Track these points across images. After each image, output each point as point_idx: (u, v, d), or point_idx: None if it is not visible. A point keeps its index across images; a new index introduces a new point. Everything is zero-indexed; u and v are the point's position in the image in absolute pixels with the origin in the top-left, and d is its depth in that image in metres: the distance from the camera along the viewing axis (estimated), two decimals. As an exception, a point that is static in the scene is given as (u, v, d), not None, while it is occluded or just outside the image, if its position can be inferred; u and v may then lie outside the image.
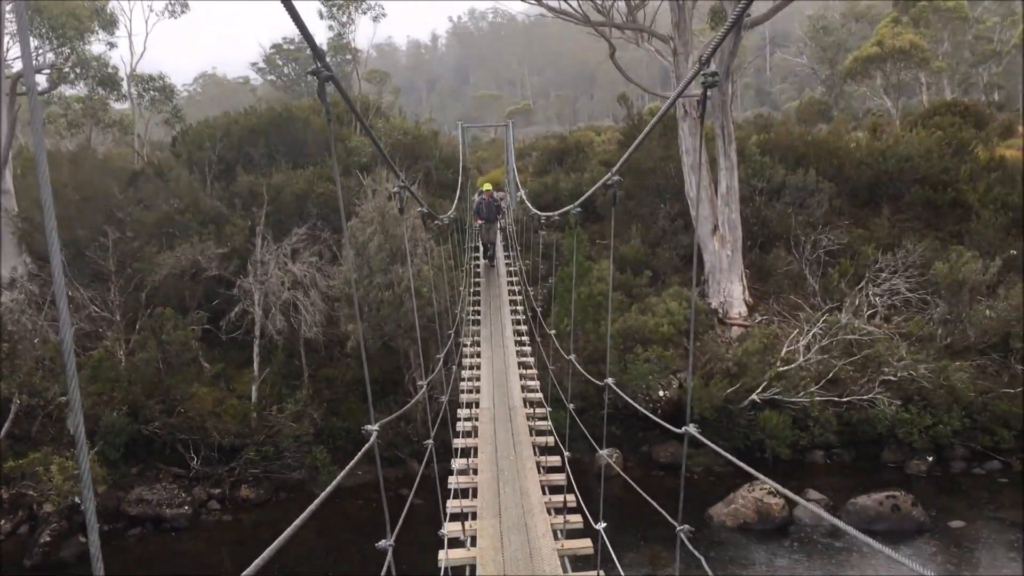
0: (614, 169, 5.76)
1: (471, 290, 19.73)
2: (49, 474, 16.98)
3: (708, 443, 3.87)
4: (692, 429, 3.97)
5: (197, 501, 18.57)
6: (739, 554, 15.42)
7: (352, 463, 3.77)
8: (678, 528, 4.30)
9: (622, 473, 7.64)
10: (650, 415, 5.68)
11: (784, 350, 20.64)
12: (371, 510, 17.24)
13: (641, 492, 6.09)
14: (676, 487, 4.30)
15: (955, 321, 21.18)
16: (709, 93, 3.71)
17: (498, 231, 23.25)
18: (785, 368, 19.94)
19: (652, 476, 18.96)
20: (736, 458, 3.75)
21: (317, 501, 3.21)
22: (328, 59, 3.61)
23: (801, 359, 20.23)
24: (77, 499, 17.12)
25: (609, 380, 6.46)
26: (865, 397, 19.43)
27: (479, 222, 22.25)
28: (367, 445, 4.07)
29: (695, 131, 23.31)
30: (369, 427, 4.21)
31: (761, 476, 3.35)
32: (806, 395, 19.35)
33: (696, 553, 4.05)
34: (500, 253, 23.49)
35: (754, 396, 19.42)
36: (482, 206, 22.03)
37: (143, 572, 16.00)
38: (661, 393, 19.66)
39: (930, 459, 19.06)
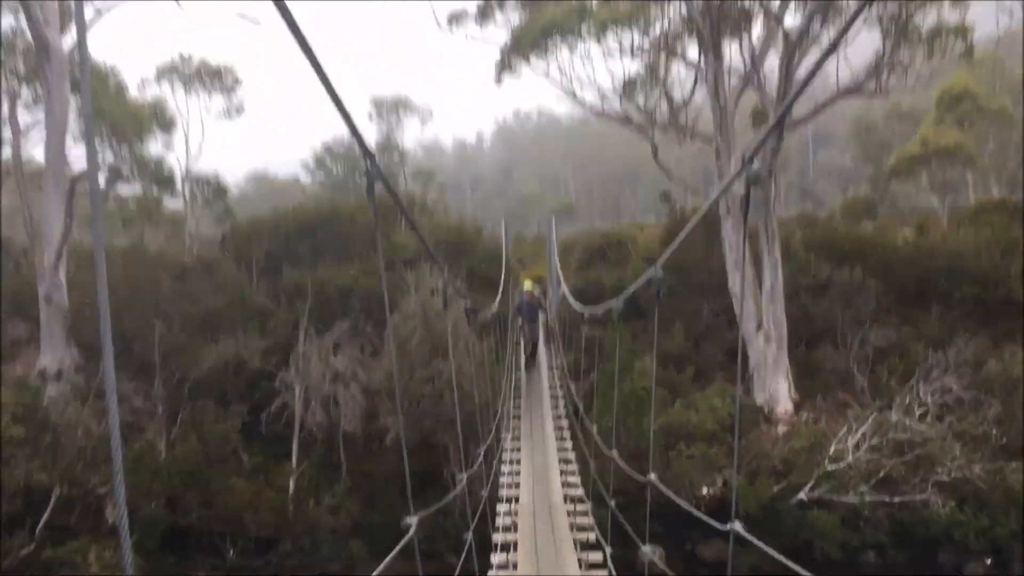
0: (657, 263, 5.75)
1: (512, 385, 19.61)
2: (87, 563, 16.97)
3: (754, 540, 3.72)
4: (737, 526, 3.82)
5: (233, 596, 18.34)
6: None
7: (393, 553, 3.70)
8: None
9: (667, 570, 7.37)
10: (693, 511, 5.52)
11: (832, 448, 20.09)
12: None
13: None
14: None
15: (1010, 421, 20.52)
16: (752, 190, 3.70)
17: (540, 329, 22.94)
18: (834, 467, 19.38)
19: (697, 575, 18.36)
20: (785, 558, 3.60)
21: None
22: (376, 158, 3.70)
23: (850, 457, 19.65)
24: (114, 591, 17.04)
25: (652, 476, 6.31)
26: (918, 497, 18.76)
27: (520, 320, 22.04)
28: (407, 537, 3.99)
29: (738, 228, 23.33)
30: (409, 519, 4.13)
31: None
32: (856, 494, 18.73)
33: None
34: (542, 351, 23.05)
35: (802, 495, 18.85)
36: (523, 305, 21.83)
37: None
38: (705, 491, 19.17)
39: (988, 561, 18.24)
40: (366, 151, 3.43)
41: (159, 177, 31.05)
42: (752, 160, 3.51)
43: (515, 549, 10.36)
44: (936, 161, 41.71)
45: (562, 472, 13.98)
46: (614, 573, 8.25)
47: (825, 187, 77.61)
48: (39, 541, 18.16)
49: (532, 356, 22.16)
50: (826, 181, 79.09)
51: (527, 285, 22.71)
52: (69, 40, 25.80)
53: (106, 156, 28.60)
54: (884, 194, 52.20)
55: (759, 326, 23.20)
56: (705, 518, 5.01)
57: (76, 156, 28.85)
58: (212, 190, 34.81)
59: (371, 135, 50.70)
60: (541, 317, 23.25)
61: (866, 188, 56.51)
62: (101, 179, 31.43)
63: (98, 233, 1.88)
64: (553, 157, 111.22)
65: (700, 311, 26.02)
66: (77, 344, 23.76)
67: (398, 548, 3.88)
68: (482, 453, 11.06)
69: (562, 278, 26.53)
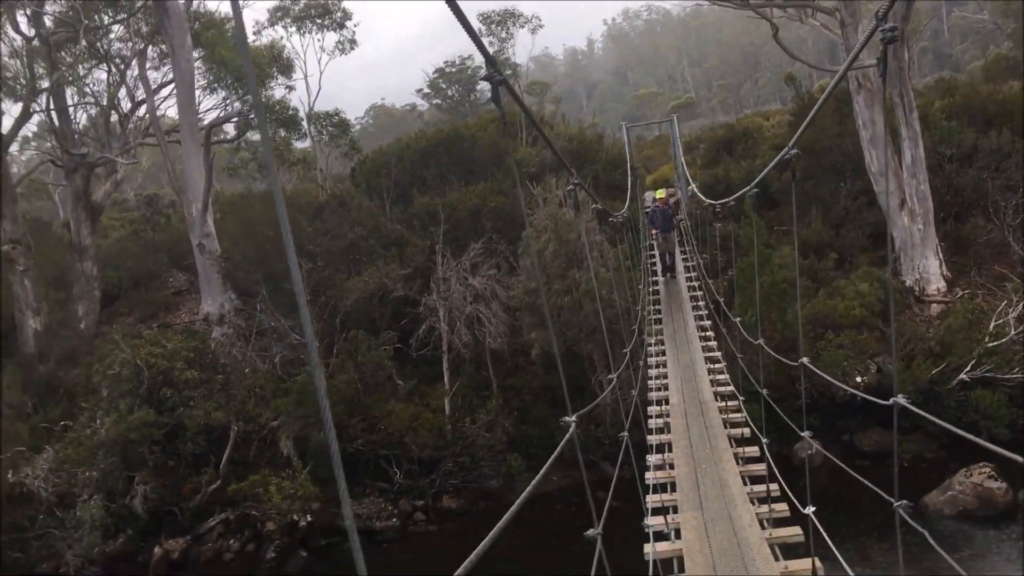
0: (791, 143, 5.62)
1: (650, 288, 19.57)
2: (269, 494, 18.19)
3: (920, 412, 3.70)
4: (902, 400, 3.79)
5: (403, 513, 19.36)
6: (961, 542, 14.50)
7: (556, 452, 3.86)
8: (895, 504, 4.12)
9: (827, 454, 7.35)
10: (854, 390, 5.47)
11: (992, 324, 19.26)
12: (569, 513, 17.39)
13: (851, 472, 5.87)
14: (884, 474, 4.14)
15: None
16: (887, 55, 3.56)
17: (675, 241, 22.04)
18: (995, 343, 18.60)
19: (856, 466, 18.11)
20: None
21: (527, 490, 3.31)
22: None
23: (1013, 332, 18.81)
24: (296, 516, 18.27)
25: (804, 359, 6.28)
26: (1091, 369, 17.85)
27: (653, 232, 21.22)
28: (568, 434, 4.15)
29: (871, 102, 22.22)
30: (567, 418, 4.28)
31: (995, 448, 3.13)
32: (1022, 371, 17.97)
33: (919, 528, 3.86)
34: (680, 262, 21.97)
35: (963, 375, 18.23)
36: (656, 215, 20.94)
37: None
38: (858, 379, 18.78)
39: None
40: (487, 56, 3.47)
41: (285, 120, 31.90)
42: (885, 17, 3.38)
43: (670, 449, 10.54)
44: (1088, 5, 38.26)
45: (709, 370, 14.02)
46: (773, 465, 8.29)
47: (963, 49, 72.50)
48: (224, 476, 19.56)
49: (671, 268, 21.30)
50: (963, 43, 73.82)
51: (659, 194, 21.94)
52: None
53: (234, 107, 29.61)
54: (1030, 48, 48.35)
55: (902, 203, 22.23)
56: (868, 396, 4.96)
57: (205, 107, 30.13)
58: (335, 126, 35.53)
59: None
60: (677, 221, 22.36)
61: (1008, 45, 52.43)
62: (231, 128, 32.71)
63: (281, 212, 2.01)
64: (667, 54, 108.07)
65: (837, 195, 25.11)
66: (233, 288, 25.08)
67: (562, 444, 4.05)
68: (628, 355, 11.16)
69: (689, 177, 26.05)
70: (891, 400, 3.84)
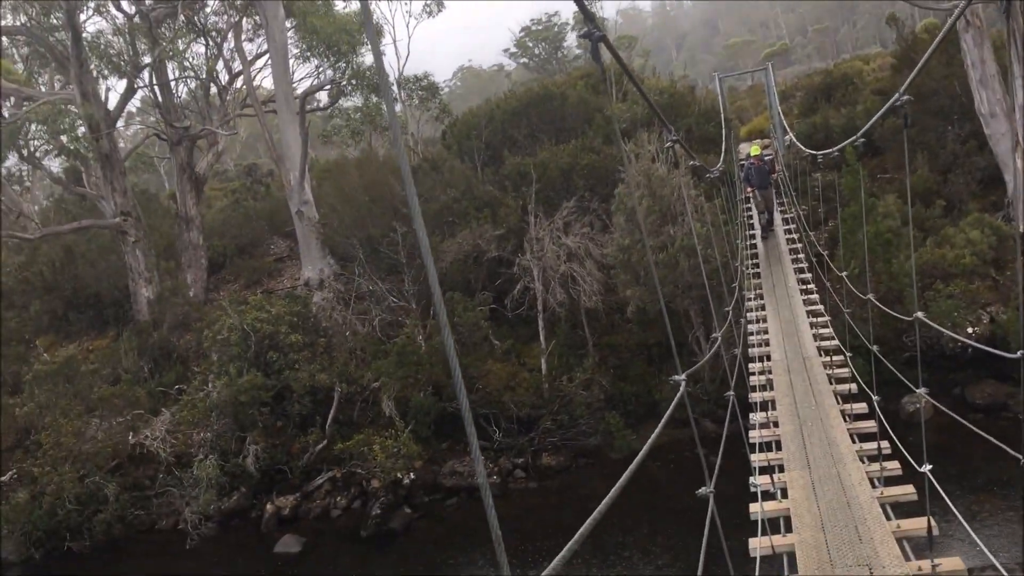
0: (902, 89, 5.37)
1: (748, 243, 19.18)
2: (373, 453, 18.69)
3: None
4: (1029, 352, 3.64)
5: (504, 471, 19.64)
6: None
7: (668, 413, 3.84)
8: (1023, 460, 3.97)
9: (945, 409, 7.12)
10: (976, 344, 5.27)
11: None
12: (670, 470, 17.34)
13: (970, 426, 5.67)
14: (1000, 428, 3.98)
15: None
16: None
17: (773, 198, 21.17)
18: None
19: (969, 420, 17.54)
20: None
21: (643, 452, 3.30)
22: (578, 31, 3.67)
23: None
24: (399, 475, 18.74)
25: (919, 313, 6.06)
26: None
27: (749, 190, 20.64)
28: (679, 393, 4.12)
29: (980, 41, 21.13)
30: (677, 377, 4.25)
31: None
32: None
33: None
34: (777, 216, 21.36)
35: (1085, 324, 17.37)
36: (751, 171, 20.24)
37: (464, 537, 17.20)
38: (970, 330, 18.10)
39: None
40: (585, 11, 3.42)
41: (376, 85, 32.17)
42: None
43: (774, 407, 10.38)
44: None
45: (812, 324, 13.71)
46: (884, 422, 8.08)
47: (1081, -22, 68.08)
48: (330, 436, 20.17)
49: (769, 225, 20.69)
50: (1082, -29, 69.34)
51: (753, 150, 20.95)
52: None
53: (326, 74, 30.02)
54: None
55: (1016, 145, 21.13)
56: (990, 349, 4.77)
57: (299, 76, 30.63)
58: (425, 89, 35.68)
59: (568, 9, 49.86)
60: (774, 177, 21.53)
61: None
62: (323, 95, 33.20)
63: (400, 149, 2.03)
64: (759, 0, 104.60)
65: (944, 139, 24.05)
66: (332, 253, 25.62)
67: (674, 404, 4.02)
68: (730, 313, 10.98)
69: (787, 126, 25.31)
70: (1019, 352, 3.68)
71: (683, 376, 4.26)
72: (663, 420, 3.96)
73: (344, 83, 29.52)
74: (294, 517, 19.49)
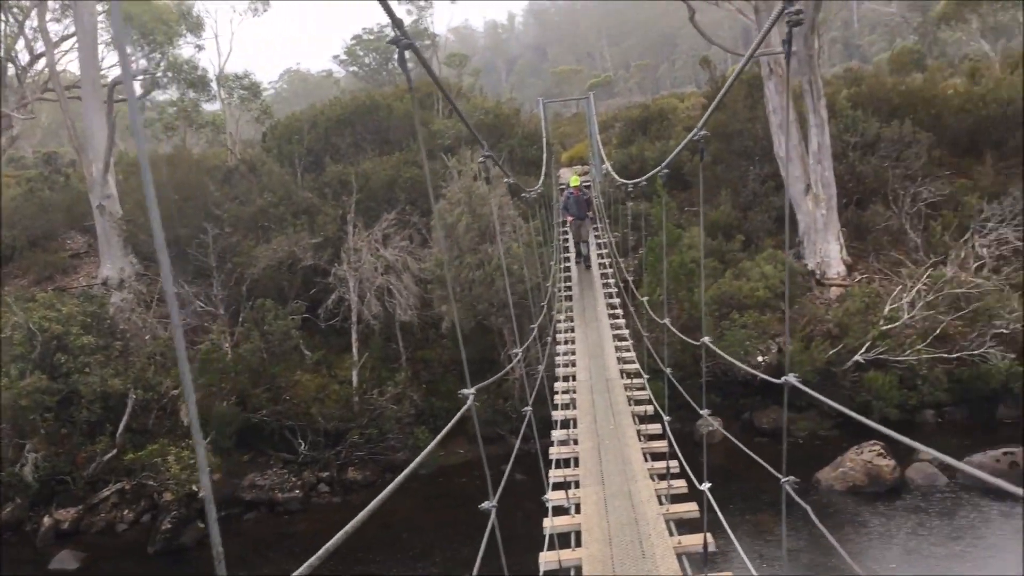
0: (700, 124, 5.66)
1: (561, 265, 19.68)
2: (167, 464, 17.74)
3: (809, 391, 3.79)
4: (792, 378, 3.89)
5: (307, 485, 19.14)
6: (849, 517, 15.11)
7: (450, 424, 3.84)
8: (783, 480, 4.23)
9: (724, 432, 7.53)
10: (749, 368, 5.59)
11: (887, 308, 20.01)
12: (475, 487, 17.46)
13: (743, 448, 6.01)
14: (779, 452, 4.23)
15: (1070, 268, 20.19)
16: (795, 42, 3.60)
17: (591, 229, 20.85)
18: (889, 326, 19.34)
19: (754, 443, 18.68)
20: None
21: (419, 457, 3.26)
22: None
23: (906, 316, 19.58)
24: (195, 487, 17.87)
25: (705, 339, 6.39)
26: (976, 352, 18.71)
27: (568, 219, 20.24)
28: (464, 407, 4.13)
29: (781, 89, 22.72)
30: (465, 391, 4.26)
31: (877, 426, 3.24)
32: (913, 353, 18.73)
33: (802, 503, 3.98)
34: (594, 254, 20.91)
35: (858, 357, 18.92)
36: (570, 201, 19.83)
37: (259, 553, 16.61)
38: (760, 359, 19.32)
39: (1048, 412, 18.29)
40: (394, 19, 3.37)
41: (193, 80, 30.89)
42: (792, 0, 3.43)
43: (575, 425, 10.64)
44: (987, 3, 39.85)
45: (617, 348, 14.18)
46: (674, 443, 8.44)
47: (871, 41, 74.75)
48: (120, 445, 18.98)
49: (586, 258, 20.41)
50: (871, 34, 76.14)
51: (573, 180, 20.47)
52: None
53: (140, 64, 28.53)
54: (932, 43, 50.16)
55: (807, 188, 22.85)
56: (760, 374, 5.08)
57: (108, 64, 28.92)
58: (247, 88, 34.58)
59: (405, 20, 49.60)
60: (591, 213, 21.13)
61: (914, 38, 54.31)
62: (136, 85, 31.50)
63: (141, 139, 1.90)
64: (587, 32, 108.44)
65: (746, 178, 25.66)
66: (135, 252, 24.27)
67: (457, 417, 4.02)
68: (536, 330, 11.20)
69: (604, 155, 26.24)
70: (783, 379, 3.93)
71: (471, 390, 4.27)
72: (445, 429, 3.95)
73: (159, 75, 28.15)
74: (75, 531, 18.17)
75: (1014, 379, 18.17)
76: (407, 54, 3.65)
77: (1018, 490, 2.24)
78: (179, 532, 17.45)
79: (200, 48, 33.08)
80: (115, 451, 18.85)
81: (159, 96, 32.14)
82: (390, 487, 2.97)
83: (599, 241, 22.01)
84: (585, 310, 17.00)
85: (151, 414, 19.67)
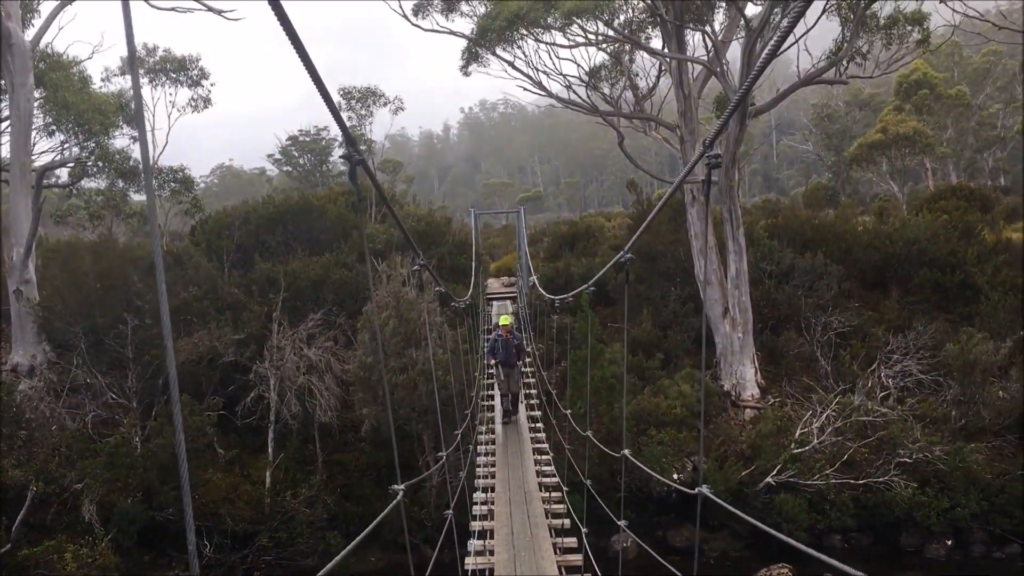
0: (626, 248, 6.02)
1: (485, 374, 19.79)
2: (63, 562, 16.92)
3: (721, 502, 4.02)
4: (705, 490, 4.11)
5: (209, 590, 18.42)
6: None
7: (380, 518, 3.93)
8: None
9: (641, 543, 7.67)
10: (664, 480, 5.80)
11: (798, 432, 20.58)
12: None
13: (659, 558, 6.17)
14: (691, 569, 4.42)
15: (969, 402, 21.11)
16: (715, 176, 3.98)
17: (520, 380, 17.63)
18: (799, 450, 19.86)
19: (668, 560, 18.75)
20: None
21: (330, 566, 3.35)
22: (344, 149, 3.90)
23: (815, 441, 20.16)
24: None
25: (626, 451, 6.61)
26: (881, 480, 19.27)
27: (493, 362, 17.04)
28: (394, 502, 4.23)
29: (703, 215, 23.72)
30: (396, 487, 4.36)
31: (789, 540, 3.45)
32: (821, 478, 19.21)
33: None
34: (523, 409, 17.71)
35: (769, 479, 19.31)
36: (498, 344, 16.60)
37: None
38: (675, 476, 19.57)
39: (949, 543, 18.85)
40: (348, 135, 3.64)
41: (124, 170, 30.74)
42: (712, 145, 3.79)
43: (492, 536, 10.64)
44: (895, 148, 42.56)
45: (536, 460, 14.27)
46: (590, 555, 8.54)
47: (788, 175, 78.64)
48: (15, 540, 18.04)
49: (513, 411, 17.18)
50: (789, 169, 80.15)
51: (503, 320, 17.22)
52: (31, 33, 25.63)
53: (72, 151, 28.37)
54: (845, 181, 53.12)
55: (725, 312, 23.64)
56: (675, 484, 5.29)
57: (40, 149, 28.68)
58: (179, 182, 34.54)
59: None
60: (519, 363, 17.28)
61: (828, 175, 57.46)
62: (63, 172, 31.20)
63: (153, 222, 2.09)
64: (520, 147, 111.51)
65: (668, 298, 26.43)
66: (49, 339, 23.61)
67: (387, 510, 4.13)
68: (459, 437, 11.28)
69: (532, 268, 26.81)
70: (696, 489, 4.15)
71: (402, 486, 4.39)
72: (371, 525, 4.05)
73: (90, 163, 27.99)
74: (-45, 634, 17.11)
75: (917, 508, 18.71)
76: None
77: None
78: (70, 636, 16.54)
79: (134, 139, 32.95)
80: (8, 546, 17.90)
81: (87, 184, 31.86)
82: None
83: (525, 360, 20.34)
84: (508, 435, 16.82)
85: (50, 508, 18.83)
